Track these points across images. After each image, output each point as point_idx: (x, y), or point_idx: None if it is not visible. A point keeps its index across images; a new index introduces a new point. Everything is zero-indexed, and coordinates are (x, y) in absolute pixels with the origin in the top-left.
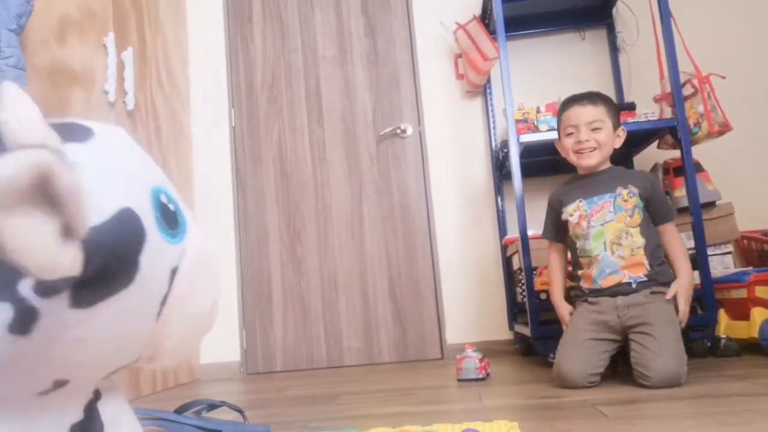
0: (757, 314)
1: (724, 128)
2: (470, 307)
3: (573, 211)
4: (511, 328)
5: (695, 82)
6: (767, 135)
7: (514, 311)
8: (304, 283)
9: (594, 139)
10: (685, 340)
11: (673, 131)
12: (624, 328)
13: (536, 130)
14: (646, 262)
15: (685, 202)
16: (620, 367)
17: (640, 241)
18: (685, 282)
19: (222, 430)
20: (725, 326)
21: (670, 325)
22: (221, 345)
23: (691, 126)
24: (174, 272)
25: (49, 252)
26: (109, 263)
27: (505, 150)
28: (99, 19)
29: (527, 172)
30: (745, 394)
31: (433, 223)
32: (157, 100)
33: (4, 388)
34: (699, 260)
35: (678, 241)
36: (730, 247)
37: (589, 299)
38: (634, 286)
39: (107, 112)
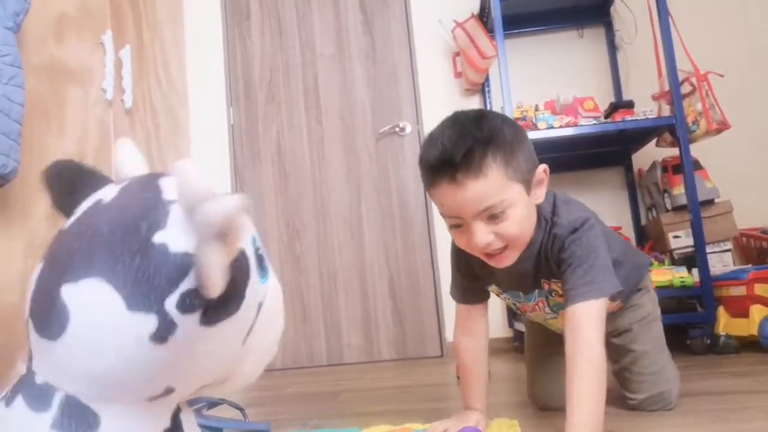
0: (756, 312)
1: (723, 126)
2: None
3: (497, 293)
4: (510, 325)
5: (693, 80)
6: (765, 133)
7: (513, 309)
8: (304, 281)
9: (498, 237)
10: (684, 338)
11: (671, 129)
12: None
13: (535, 128)
14: (616, 302)
15: (683, 200)
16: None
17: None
18: None
19: (222, 427)
20: (724, 324)
21: (651, 331)
22: None
23: (690, 124)
24: (260, 307)
25: (222, 276)
26: (231, 291)
27: None
28: (96, 17)
29: None
30: (744, 391)
31: (432, 220)
32: (155, 98)
33: (127, 390)
34: (698, 258)
35: (590, 354)
36: (729, 245)
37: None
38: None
39: (105, 111)
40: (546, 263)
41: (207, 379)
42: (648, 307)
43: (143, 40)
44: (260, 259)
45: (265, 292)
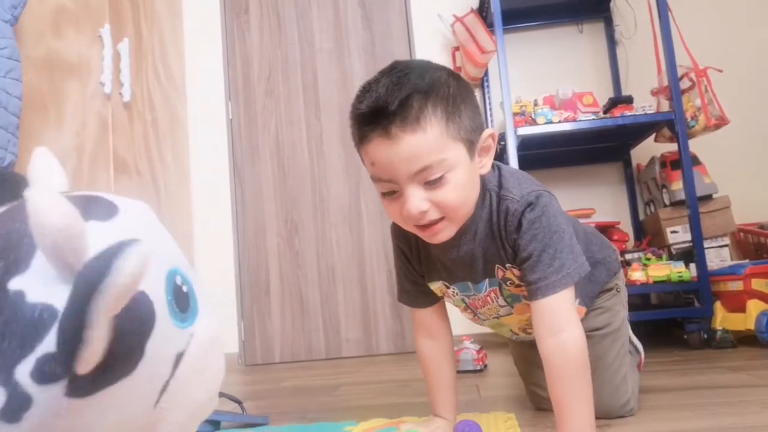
0: (753, 306)
1: (721, 122)
2: None
3: (441, 294)
4: None
5: (692, 75)
6: (764, 128)
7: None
8: (302, 276)
9: (434, 205)
10: (681, 332)
11: (670, 124)
12: None
13: (534, 123)
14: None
15: (682, 195)
16: None
17: None
18: None
19: (221, 420)
20: (721, 318)
21: (615, 340)
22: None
23: (688, 119)
24: (179, 357)
25: (96, 345)
26: (114, 351)
27: (503, 143)
28: (94, 11)
29: (524, 164)
30: (741, 385)
31: None
32: (154, 92)
33: None
34: (696, 253)
35: (573, 351)
36: (726, 240)
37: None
38: None
39: (103, 104)
40: (497, 243)
41: None
42: (615, 311)
43: (142, 33)
44: (181, 298)
45: (189, 339)
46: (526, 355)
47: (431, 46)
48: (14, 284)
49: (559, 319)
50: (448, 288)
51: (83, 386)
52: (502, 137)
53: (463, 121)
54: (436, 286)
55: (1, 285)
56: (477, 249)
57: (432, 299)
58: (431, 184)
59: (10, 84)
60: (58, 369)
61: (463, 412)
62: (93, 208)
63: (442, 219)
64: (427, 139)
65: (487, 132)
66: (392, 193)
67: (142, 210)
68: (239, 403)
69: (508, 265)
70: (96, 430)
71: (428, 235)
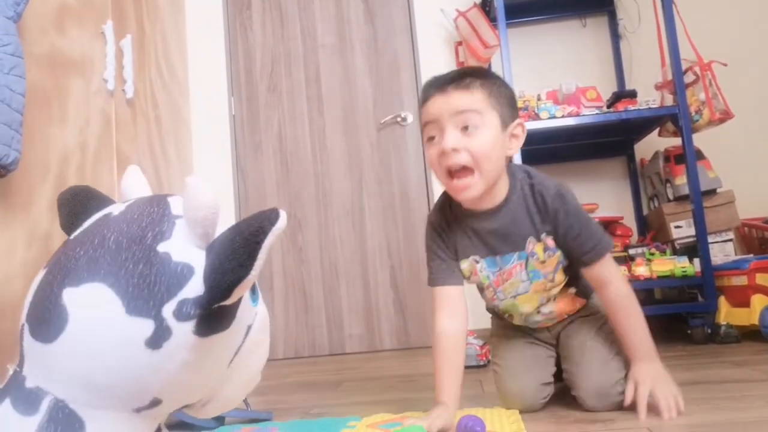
0: (758, 301)
1: (726, 116)
2: (471, 295)
3: (468, 273)
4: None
5: (697, 69)
6: None
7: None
8: (305, 272)
9: (465, 148)
10: (685, 327)
11: (674, 119)
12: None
13: (537, 117)
14: (574, 290)
15: (685, 190)
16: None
17: (565, 294)
18: (644, 363)
19: (225, 416)
20: (725, 313)
21: (602, 327)
22: None
23: (693, 113)
24: (248, 329)
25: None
26: (225, 307)
27: None
28: (97, 7)
29: (527, 160)
30: (745, 380)
31: None
32: (157, 88)
33: (116, 396)
34: (700, 248)
35: (624, 290)
36: (730, 235)
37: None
38: (568, 318)
39: (107, 101)
40: (532, 220)
41: (192, 395)
42: (598, 305)
43: (144, 29)
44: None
45: (254, 316)
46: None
47: (434, 41)
48: (162, 247)
49: (612, 273)
50: (477, 263)
51: (204, 328)
52: None
53: (501, 101)
54: (466, 264)
55: (153, 248)
56: (511, 225)
57: (459, 279)
58: (466, 131)
59: (13, 81)
60: (192, 310)
61: (467, 407)
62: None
63: (471, 172)
64: (472, 98)
65: (518, 121)
66: (433, 138)
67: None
68: (243, 399)
69: (543, 235)
70: (200, 370)
71: (458, 189)
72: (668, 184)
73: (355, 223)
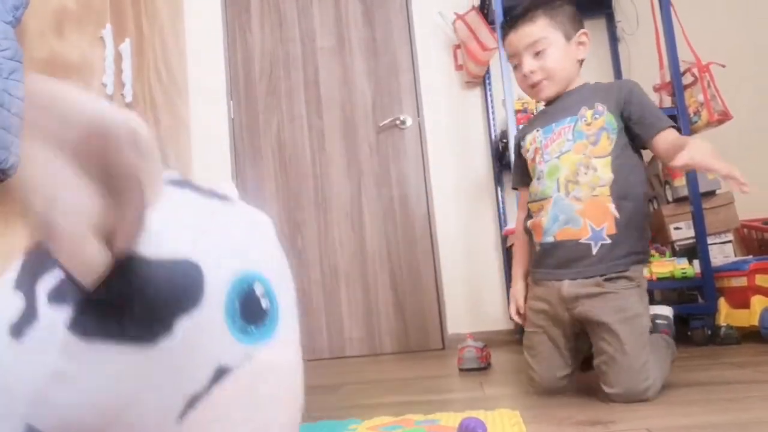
0: (757, 302)
1: (724, 117)
2: (471, 298)
3: (529, 145)
4: (511, 318)
5: (695, 71)
6: (767, 124)
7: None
8: (305, 275)
9: (540, 68)
10: (685, 329)
11: (672, 120)
12: (578, 319)
13: None
14: (612, 206)
15: (685, 192)
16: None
17: (606, 176)
18: (695, 140)
19: None
20: (725, 315)
21: (633, 327)
22: None
23: (691, 115)
24: (222, 373)
25: (81, 235)
26: (131, 301)
27: (505, 140)
28: (96, 11)
29: None
30: (746, 381)
31: (433, 214)
32: (156, 92)
33: None
34: (699, 249)
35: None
36: (730, 236)
37: (536, 277)
38: (594, 251)
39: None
40: (591, 97)
41: None
42: (631, 302)
43: (143, 33)
44: (253, 310)
45: (241, 357)
46: (552, 336)
47: (432, 44)
48: None
49: (674, 133)
50: (537, 132)
51: (85, 324)
52: (504, 135)
53: (562, 20)
54: (529, 138)
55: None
56: (577, 100)
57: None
58: (537, 55)
59: (12, 85)
60: (69, 292)
61: (468, 410)
62: (208, 190)
63: (544, 80)
64: (536, 27)
65: (581, 30)
66: (517, 67)
67: (259, 217)
68: None
69: (595, 103)
70: (94, 394)
71: (536, 92)
72: (667, 186)
73: (354, 226)
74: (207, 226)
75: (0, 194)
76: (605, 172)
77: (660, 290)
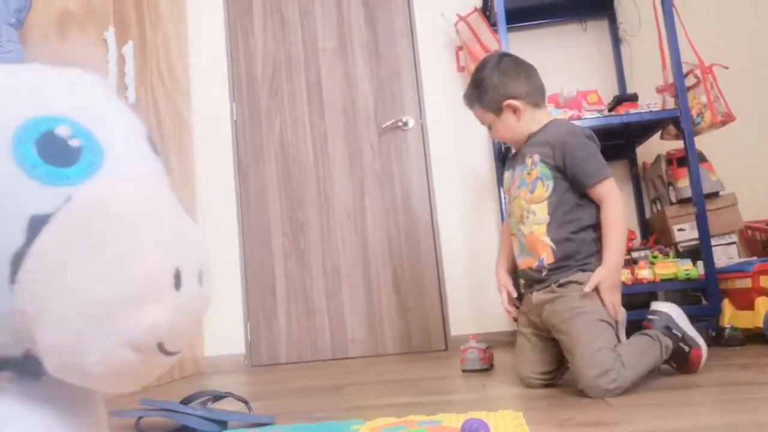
0: (762, 304)
1: (727, 118)
2: (474, 299)
3: (507, 179)
4: (514, 319)
5: (698, 72)
6: None
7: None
8: (308, 276)
9: (496, 134)
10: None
11: (675, 122)
12: (550, 327)
13: None
14: (547, 240)
15: (688, 193)
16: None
17: (542, 217)
18: (605, 271)
19: (227, 420)
20: (730, 316)
21: (586, 326)
22: (226, 337)
23: (694, 116)
24: (37, 222)
25: None
26: None
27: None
28: (99, 14)
29: None
30: (750, 383)
31: (436, 215)
32: (158, 95)
33: None
34: (703, 250)
35: (611, 211)
36: (734, 237)
37: (522, 291)
38: (543, 273)
39: None
40: (536, 145)
41: None
42: (579, 300)
43: (146, 36)
44: (60, 151)
45: (61, 202)
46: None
47: (435, 46)
48: None
49: (609, 197)
50: (509, 172)
51: None
52: None
53: (488, 101)
54: (507, 174)
55: None
56: (528, 148)
57: None
58: (490, 129)
59: None
60: None
61: (470, 411)
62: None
63: (505, 140)
64: (475, 111)
65: (505, 103)
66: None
67: (80, 75)
68: (246, 403)
69: (534, 155)
70: None
71: (498, 139)
72: (671, 187)
73: (357, 227)
74: None
75: None
76: (542, 214)
77: (663, 291)
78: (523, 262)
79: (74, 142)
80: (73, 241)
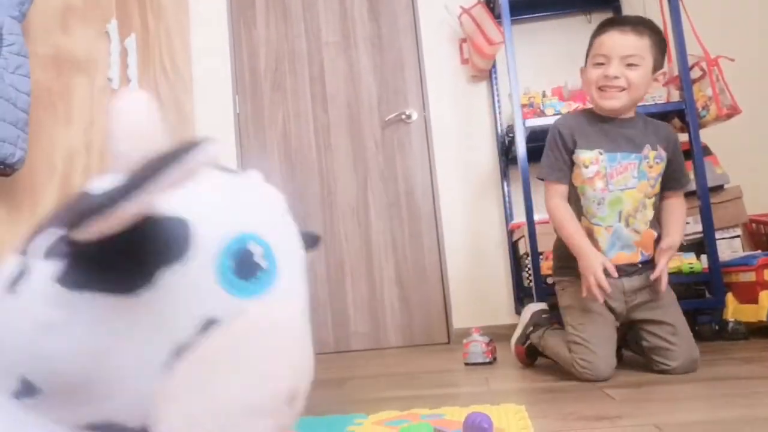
0: (766, 297)
1: (733, 111)
2: (476, 292)
3: (589, 162)
4: (517, 312)
5: (703, 64)
6: None
7: (521, 296)
8: (310, 269)
9: (626, 77)
10: (692, 324)
11: (680, 114)
12: (628, 313)
13: (542, 114)
14: (655, 235)
15: (692, 186)
16: (623, 353)
17: (650, 213)
18: (674, 241)
19: None
20: (733, 310)
21: (679, 309)
22: None
23: (699, 109)
24: (209, 324)
25: (110, 214)
26: (115, 254)
27: (511, 135)
28: (101, 6)
29: (533, 156)
30: (753, 377)
31: (439, 208)
32: (161, 87)
33: None
34: (707, 244)
35: (682, 210)
36: (738, 231)
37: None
38: (640, 266)
39: (111, 100)
40: (651, 135)
41: (87, 389)
42: (672, 292)
43: (148, 28)
44: (247, 266)
45: (235, 312)
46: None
47: (438, 38)
48: (91, 186)
49: (682, 198)
50: (600, 155)
51: (71, 275)
52: (510, 129)
53: (660, 52)
54: (589, 154)
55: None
56: (638, 133)
57: (566, 177)
58: (629, 66)
59: (18, 80)
60: (63, 246)
61: (473, 404)
62: (220, 165)
63: (623, 90)
64: (642, 43)
65: (662, 70)
66: (600, 64)
67: (267, 189)
68: None
69: (657, 146)
70: (84, 343)
71: (606, 97)
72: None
73: (360, 220)
74: (204, 190)
75: (8, 188)
76: (650, 210)
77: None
78: (621, 257)
79: (262, 262)
80: (234, 350)
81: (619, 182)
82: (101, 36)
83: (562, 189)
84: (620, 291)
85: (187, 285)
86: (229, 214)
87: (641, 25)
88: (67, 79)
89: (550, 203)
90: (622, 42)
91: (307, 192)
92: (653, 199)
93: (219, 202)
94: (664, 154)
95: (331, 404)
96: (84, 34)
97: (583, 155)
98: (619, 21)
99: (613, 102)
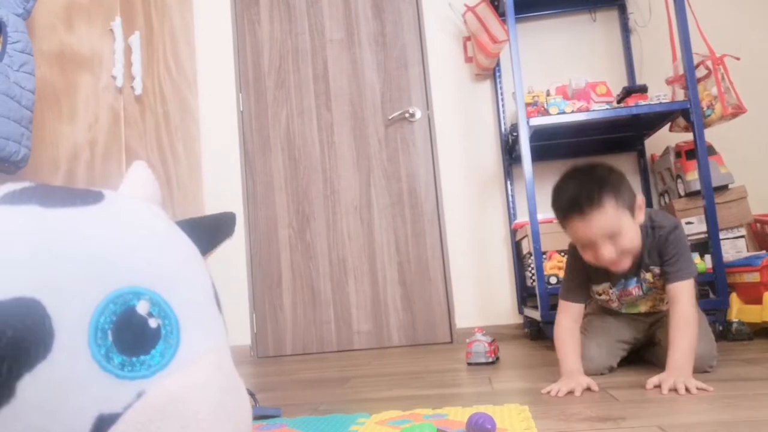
0: None
1: (738, 110)
2: (479, 292)
3: (601, 292)
4: (520, 312)
5: (709, 63)
6: None
7: (524, 295)
8: (314, 268)
9: (617, 247)
10: None
11: (685, 114)
12: (652, 333)
13: (546, 113)
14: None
15: (697, 186)
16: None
17: (659, 284)
18: (679, 364)
19: None
20: (737, 310)
21: (700, 310)
22: (231, 329)
23: (704, 108)
24: (102, 423)
25: None
26: None
27: (515, 134)
28: (105, 4)
29: (537, 155)
30: (757, 378)
31: (442, 207)
32: (165, 85)
33: None
34: (711, 244)
35: (685, 316)
36: (742, 231)
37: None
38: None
39: (115, 98)
40: (650, 257)
41: None
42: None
43: (153, 26)
44: (138, 334)
45: (132, 398)
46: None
47: (442, 36)
48: None
49: (684, 296)
50: (610, 288)
51: None
52: (514, 128)
53: (623, 198)
54: (602, 287)
55: None
56: (635, 264)
57: (586, 297)
58: (613, 238)
59: (23, 78)
60: None
61: (476, 404)
62: (80, 196)
63: (623, 257)
64: (607, 216)
65: (638, 198)
66: (587, 246)
67: (139, 214)
68: (252, 395)
69: (651, 267)
70: None
71: (615, 268)
72: (679, 180)
73: (363, 219)
74: (48, 248)
75: None
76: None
77: None
78: (634, 309)
79: (152, 323)
80: None
81: (630, 300)
82: (106, 34)
83: (575, 309)
84: (647, 324)
85: (60, 385)
86: (87, 269)
87: (592, 193)
88: (71, 77)
89: (558, 317)
90: (589, 229)
91: (310, 190)
92: (664, 294)
93: (67, 258)
94: (658, 270)
95: (334, 404)
96: (88, 32)
97: (595, 287)
98: (570, 204)
99: (623, 265)
